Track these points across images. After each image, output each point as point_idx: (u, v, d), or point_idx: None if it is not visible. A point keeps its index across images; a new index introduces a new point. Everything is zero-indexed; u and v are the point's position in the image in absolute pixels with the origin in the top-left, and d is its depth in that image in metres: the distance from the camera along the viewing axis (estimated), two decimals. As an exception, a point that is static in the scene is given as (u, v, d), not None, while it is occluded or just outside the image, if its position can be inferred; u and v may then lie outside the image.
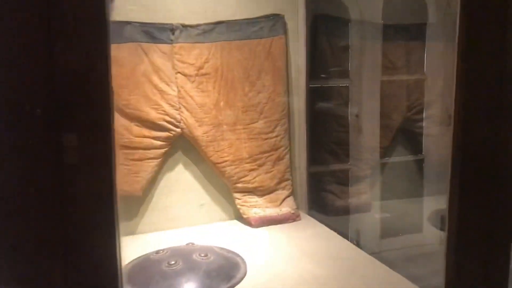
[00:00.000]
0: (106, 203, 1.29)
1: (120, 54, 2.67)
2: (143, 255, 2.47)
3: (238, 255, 2.51)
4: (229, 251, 2.54)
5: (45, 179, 1.29)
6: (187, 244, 2.57)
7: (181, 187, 2.98)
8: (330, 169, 3.22)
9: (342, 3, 3.33)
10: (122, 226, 2.75)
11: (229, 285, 2.20)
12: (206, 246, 2.58)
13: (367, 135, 3.36)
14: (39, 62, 1.39)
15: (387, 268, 2.32)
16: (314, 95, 3.17)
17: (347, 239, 2.75)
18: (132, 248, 2.64)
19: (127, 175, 2.77)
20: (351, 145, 3.28)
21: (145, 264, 2.37)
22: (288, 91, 3.08)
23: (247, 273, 2.34)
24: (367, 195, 3.25)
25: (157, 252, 2.45)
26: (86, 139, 1.55)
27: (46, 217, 1.29)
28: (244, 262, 2.43)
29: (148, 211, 2.93)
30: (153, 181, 2.90)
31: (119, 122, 2.71)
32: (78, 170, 1.50)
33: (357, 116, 3.42)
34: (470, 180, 1.67)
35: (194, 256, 2.34)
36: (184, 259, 2.33)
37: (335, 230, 2.86)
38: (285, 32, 3.02)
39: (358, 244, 2.68)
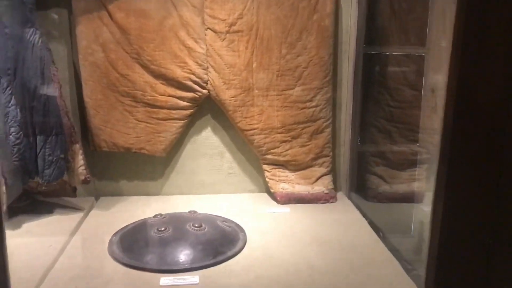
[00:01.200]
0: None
1: (147, 6, 2.53)
2: (144, 218, 2.38)
3: (242, 231, 2.29)
4: (233, 226, 2.33)
5: None
6: (189, 212, 2.41)
7: (209, 152, 2.81)
8: (379, 149, 2.78)
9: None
10: (147, 186, 2.70)
11: (212, 261, 1.99)
12: (208, 216, 2.39)
13: (439, 115, 2.84)
14: None
15: (402, 271, 1.92)
16: (367, 63, 2.73)
17: (378, 231, 2.35)
18: (151, 208, 2.57)
19: (149, 134, 2.68)
20: (411, 123, 2.78)
21: (139, 228, 2.26)
22: (334, 56, 2.70)
23: (241, 252, 2.11)
24: (421, 183, 2.75)
25: (155, 216, 2.33)
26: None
27: None
28: (244, 240, 2.20)
29: (173, 174, 2.83)
30: (178, 144, 2.77)
31: (143, 79, 2.60)
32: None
33: (433, 91, 2.90)
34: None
35: (187, 225, 2.17)
36: (176, 227, 2.17)
37: (368, 218, 2.48)
38: (333, -14, 2.62)
39: (384, 238, 2.27)
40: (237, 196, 2.84)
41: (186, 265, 1.96)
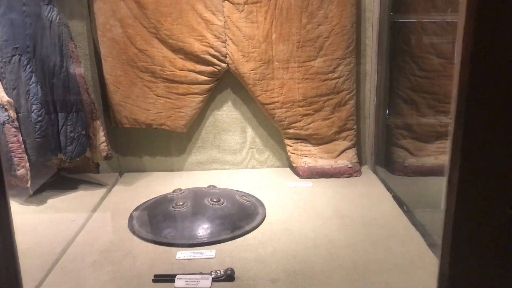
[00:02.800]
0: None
1: (164, -21, 2.50)
2: (164, 194, 2.38)
3: (261, 205, 2.26)
4: (252, 200, 2.30)
5: None
6: (208, 187, 2.39)
7: (230, 127, 2.78)
8: (405, 121, 2.67)
9: None
10: (169, 162, 2.71)
11: (230, 235, 1.98)
12: (227, 191, 2.37)
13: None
14: None
15: (425, 246, 1.85)
16: (392, 32, 2.61)
17: (403, 205, 2.27)
18: (172, 184, 2.57)
19: (169, 110, 2.66)
20: (439, 93, 2.66)
21: (158, 203, 2.26)
22: (357, 25, 2.59)
23: (259, 226, 2.08)
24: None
25: (174, 191, 2.33)
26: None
27: None
28: (264, 214, 2.18)
29: (195, 149, 2.81)
30: (199, 119, 2.75)
31: (162, 53, 2.58)
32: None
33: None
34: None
35: (205, 200, 2.16)
36: (194, 201, 2.16)
37: (393, 192, 2.40)
38: (359, -49, 2.50)
39: (408, 212, 2.19)
40: (258, 171, 2.80)
41: (203, 239, 1.95)
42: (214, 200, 2.15)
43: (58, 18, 2.32)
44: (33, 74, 2.26)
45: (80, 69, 2.40)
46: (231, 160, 2.82)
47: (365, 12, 2.61)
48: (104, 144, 2.49)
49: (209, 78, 2.62)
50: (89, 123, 2.44)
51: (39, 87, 2.27)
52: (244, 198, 2.29)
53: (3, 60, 2.22)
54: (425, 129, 2.66)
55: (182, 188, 2.36)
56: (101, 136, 2.48)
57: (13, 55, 2.23)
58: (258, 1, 2.51)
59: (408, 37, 2.60)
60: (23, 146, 2.23)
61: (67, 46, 2.34)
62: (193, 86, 2.63)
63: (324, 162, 2.64)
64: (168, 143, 2.79)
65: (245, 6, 2.52)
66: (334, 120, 2.64)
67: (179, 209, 2.11)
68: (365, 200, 2.31)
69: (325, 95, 2.61)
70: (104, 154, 2.50)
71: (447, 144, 2.65)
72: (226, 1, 2.52)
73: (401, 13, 2.64)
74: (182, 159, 2.83)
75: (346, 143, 2.68)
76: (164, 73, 2.60)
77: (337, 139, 2.68)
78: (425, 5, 2.62)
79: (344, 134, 2.67)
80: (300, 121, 2.64)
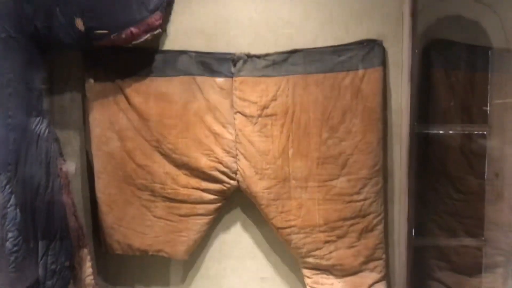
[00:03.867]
0: None
1: (170, 89, 2.26)
2: None
3: None
4: None
5: None
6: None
7: (238, 253, 2.42)
8: (442, 250, 2.32)
9: (477, 25, 2.47)
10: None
11: None
12: None
13: (509, 204, 2.40)
14: None
15: None
16: (423, 146, 2.34)
17: None
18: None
19: (169, 233, 2.31)
20: (481, 218, 2.34)
21: None
22: (384, 141, 2.32)
23: None
24: (498, 293, 2.27)
25: None
26: None
27: None
28: None
29: (198, 278, 2.44)
30: (203, 243, 2.40)
31: (164, 169, 2.28)
32: None
33: (497, 175, 2.48)
34: None
35: None
36: None
37: None
38: (383, 62, 2.28)
39: None
40: (272, 305, 2.40)
41: None
42: None
43: (47, 131, 2.05)
44: (13, 196, 1.94)
45: (68, 190, 2.08)
46: (239, 291, 2.43)
47: (392, 127, 2.35)
48: (91, 277, 2.12)
49: (216, 197, 2.31)
50: (74, 252, 2.08)
51: (18, 210, 1.94)
52: None
53: (-22, 180, 1.90)
54: (466, 259, 2.30)
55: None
56: (88, 268, 2.13)
57: (-10, 174, 1.92)
58: (274, 114, 2.26)
59: (442, 154, 2.33)
60: (-8, 283, 1.86)
61: (55, 164, 2.05)
62: (197, 206, 2.30)
63: (351, 300, 2.25)
64: (166, 272, 2.42)
65: (259, 118, 2.26)
66: (360, 248, 2.29)
67: None
68: None
69: (349, 219, 2.27)
70: (89, 288, 2.11)
71: (493, 278, 2.29)
72: (238, 113, 2.26)
73: (433, 125, 2.39)
74: (181, 290, 2.43)
75: (375, 276, 2.30)
76: (165, 191, 2.29)
77: (364, 270, 2.30)
78: (456, 115, 2.39)
79: (371, 264, 2.30)
80: (321, 248, 2.28)
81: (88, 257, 2.13)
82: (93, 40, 2.12)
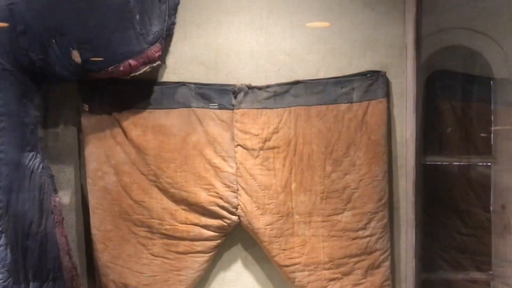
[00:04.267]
0: None
1: (168, 121, 2.19)
2: None
3: None
4: None
5: None
6: None
7: (240, 292, 2.32)
8: (450, 284, 2.24)
9: (481, 57, 2.44)
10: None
11: None
12: None
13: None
14: None
15: None
16: (429, 178, 2.28)
17: None
18: None
19: (167, 272, 2.20)
20: (489, 253, 2.27)
21: None
22: (389, 173, 2.26)
23: None
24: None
25: None
26: None
27: None
28: None
29: (197, 319, 2.32)
30: (203, 282, 2.29)
31: (161, 204, 2.19)
32: None
33: (503, 207, 2.42)
34: None
35: None
36: None
37: None
38: (387, 94, 2.23)
39: None
40: None
41: None
42: None
43: (40, 166, 1.97)
44: (3, 235, 1.84)
45: (62, 227, 1.99)
46: (240, 333, 2.31)
47: (397, 159, 2.29)
48: (85, 321, 2.00)
49: (216, 234, 2.21)
50: (67, 293, 1.97)
51: (8, 250, 1.85)
52: None
53: (-34, 220, 1.81)
54: (477, 297, 2.22)
55: None
56: (81, 311, 2.00)
57: (-20, 212, 1.83)
58: (276, 146, 2.19)
59: (448, 186, 2.27)
60: (-22, 329, 1.74)
61: (49, 200, 1.96)
62: (196, 243, 2.21)
63: None
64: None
65: (261, 151, 2.19)
66: (366, 286, 2.19)
67: None
68: None
69: (355, 256, 2.19)
70: (83, 333, 2.00)
71: (504, 316, 2.20)
72: (239, 146, 2.19)
73: (438, 156, 2.34)
74: (179, 331, 2.31)
75: (383, 314, 2.20)
76: (163, 227, 2.19)
77: (370, 309, 2.21)
78: (462, 147, 2.35)
79: (379, 303, 2.21)
80: (326, 287, 2.19)
81: (82, 299, 2.02)
82: (90, 72, 2.05)
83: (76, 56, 1.98)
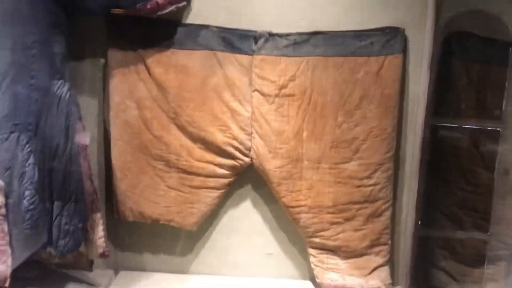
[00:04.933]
0: None
1: (190, 62, 2.27)
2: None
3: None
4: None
5: None
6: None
7: (246, 228, 2.45)
8: (448, 240, 2.35)
9: (499, 21, 2.46)
10: (173, 262, 2.36)
11: None
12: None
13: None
14: None
15: None
16: (436, 138, 2.36)
17: None
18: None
19: (181, 204, 2.35)
20: (488, 211, 2.36)
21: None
22: (398, 128, 2.34)
23: None
24: (498, 284, 2.29)
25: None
26: None
27: None
28: None
29: (204, 250, 2.48)
30: (212, 216, 2.43)
31: (179, 141, 2.31)
32: None
33: (507, 172, 2.49)
34: None
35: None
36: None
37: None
38: (404, 50, 2.29)
39: None
40: (275, 281, 2.44)
41: None
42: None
43: (68, 95, 2.07)
44: (32, 155, 1.96)
45: (85, 153, 2.11)
46: (244, 265, 2.47)
47: (408, 114, 2.36)
48: (102, 240, 2.16)
49: (229, 172, 2.34)
50: (88, 215, 2.12)
51: (36, 169, 1.97)
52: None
53: (-1, 137, 1.94)
54: (471, 251, 2.33)
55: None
56: (100, 231, 2.16)
57: (12, 132, 1.95)
58: (291, 94, 2.28)
59: (454, 145, 2.34)
60: (7, 238, 1.90)
61: (74, 127, 2.07)
62: (210, 180, 2.34)
63: (354, 281, 2.29)
64: (174, 241, 2.46)
65: (276, 98, 2.28)
66: (366, 232, 2.32)
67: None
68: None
69: (358, 203, 2.31)
70: (100, 251, 2.16)
71: (495, 270, 2.32)
72: (256, 91, 2.28)
73: (446, 117, 2.40)
74: (187, 260, 2.48)
75: (379, 260, 2.33)
76: (180, 162, 2.32)
77: (368, 253, 2.34)
78: (473, 110, 2.40)
79: (377, 249, 2.34)
80: (328, 229, 2.32)
81: (101, 222, 2.16)
82: (118, 8, 2.13)
83: (106, -9, 2.06)
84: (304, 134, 2.29)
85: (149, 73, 2.28)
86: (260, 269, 2.47)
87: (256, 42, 2.28)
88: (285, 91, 2.28)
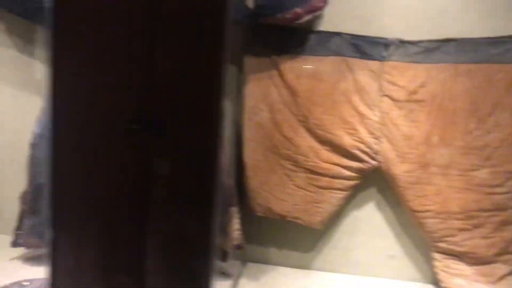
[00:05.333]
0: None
1: (321, 67, 2.38)
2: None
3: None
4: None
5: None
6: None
7: (369, 230, 2.52)
8: None
9: None
10: (296, 257, 2.48)
11: None
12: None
13: None
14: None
15: None
16: None
17: None
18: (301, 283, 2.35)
19: (307, 203, 2.46)
20: None
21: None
22: (532, 136, 2.29)
23: None
24: None
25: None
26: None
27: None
28: None
29: (327, 248, 2.57)
30: (336, 216, 2.52)
31: (307, 143, 2.42)
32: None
33: None
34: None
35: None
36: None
37: None
38: (542, 57, 2.24)
39: None
40: (397, 283, 2.48)
41: None
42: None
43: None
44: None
45: (225, 151, 2.28)
46: (365, 265, 2.53)
47: (545, 123, 2.31)
48: (238, 232, 2.32)
49: (355, 174, 2.41)
50: (226, 208, 2.29)
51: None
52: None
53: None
54: None
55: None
56: (236, 224, 2.32)
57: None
58: (422, 100, 2.31)
59: None
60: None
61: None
62: (336, 181, 2.43)
63: (481, 288, 2.28)
64: (299, 237, 2.57)
65: (406, 103, 2.32)
66: (495, 240, 2.30)
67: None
68: None
69: (488, 211, 2.29)
70: (236, 243, 2.32)
71: None
72: (385, 96, 2.34)
73: None
74: (310, 256, 2.59)
75: (508, 268, 2.30)
76: (307, 163, 2.43)
77: (496, 261, 2.31)
78: None
79: (506, 257, 2.30)
80: (455, 235, 2.32)
81: (236, 215, 2.33)
82: (260, 18, 2.28)
83: (249, 1, 2.21)
84: (434, 139, 2.31)
85: (282, 79, 2.42)
86: (381, 270, 2.52)
87: (386, 49, 2.34)
88: (415, 97, 2.31)
